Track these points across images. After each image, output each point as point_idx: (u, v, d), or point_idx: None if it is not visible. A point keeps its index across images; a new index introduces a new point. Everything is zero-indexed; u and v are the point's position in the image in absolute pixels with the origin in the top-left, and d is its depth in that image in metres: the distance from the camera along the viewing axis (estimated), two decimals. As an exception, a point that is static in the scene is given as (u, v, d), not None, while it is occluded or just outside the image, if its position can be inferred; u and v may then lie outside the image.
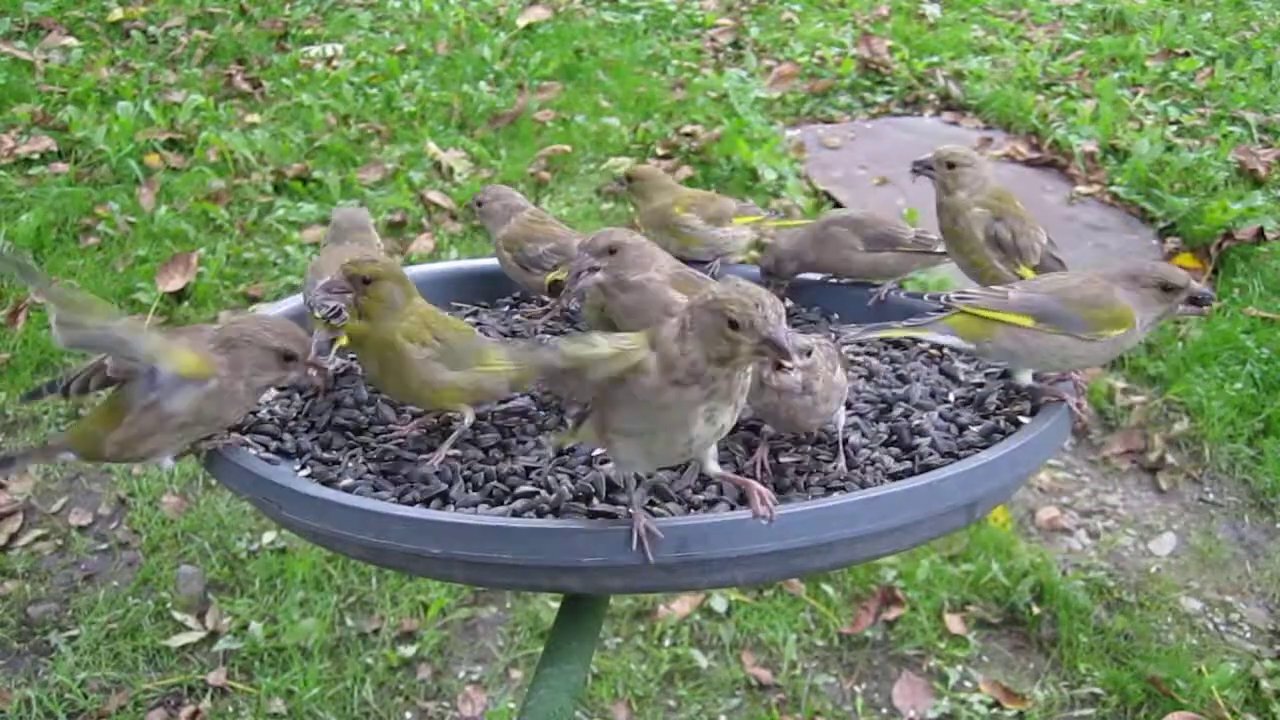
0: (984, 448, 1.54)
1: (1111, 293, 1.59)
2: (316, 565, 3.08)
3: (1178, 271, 1.61)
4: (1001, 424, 1.64)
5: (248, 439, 1.63)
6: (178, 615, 3.01)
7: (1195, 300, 1.59)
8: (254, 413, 1.73)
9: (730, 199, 2.21)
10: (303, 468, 1.60)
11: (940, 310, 1.65)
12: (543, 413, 1.69)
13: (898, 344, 1.90)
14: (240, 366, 1.53)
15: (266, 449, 1.64)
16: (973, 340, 1.64)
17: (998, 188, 1.87)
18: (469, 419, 1.61)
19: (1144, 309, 1.59)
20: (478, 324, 1.97)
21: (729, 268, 2.16)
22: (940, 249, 1.99)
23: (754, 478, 1.51)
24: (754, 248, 2.27)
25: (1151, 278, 1.59)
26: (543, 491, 1.48)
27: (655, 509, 1.46)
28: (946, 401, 1.73)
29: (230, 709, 2.80)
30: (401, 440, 1.64)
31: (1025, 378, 1.64)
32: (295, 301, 1.93)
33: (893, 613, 3.00)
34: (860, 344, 1.86)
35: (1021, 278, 1.80)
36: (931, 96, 5.63)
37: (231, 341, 1.54)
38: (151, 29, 5.90)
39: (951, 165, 1.85)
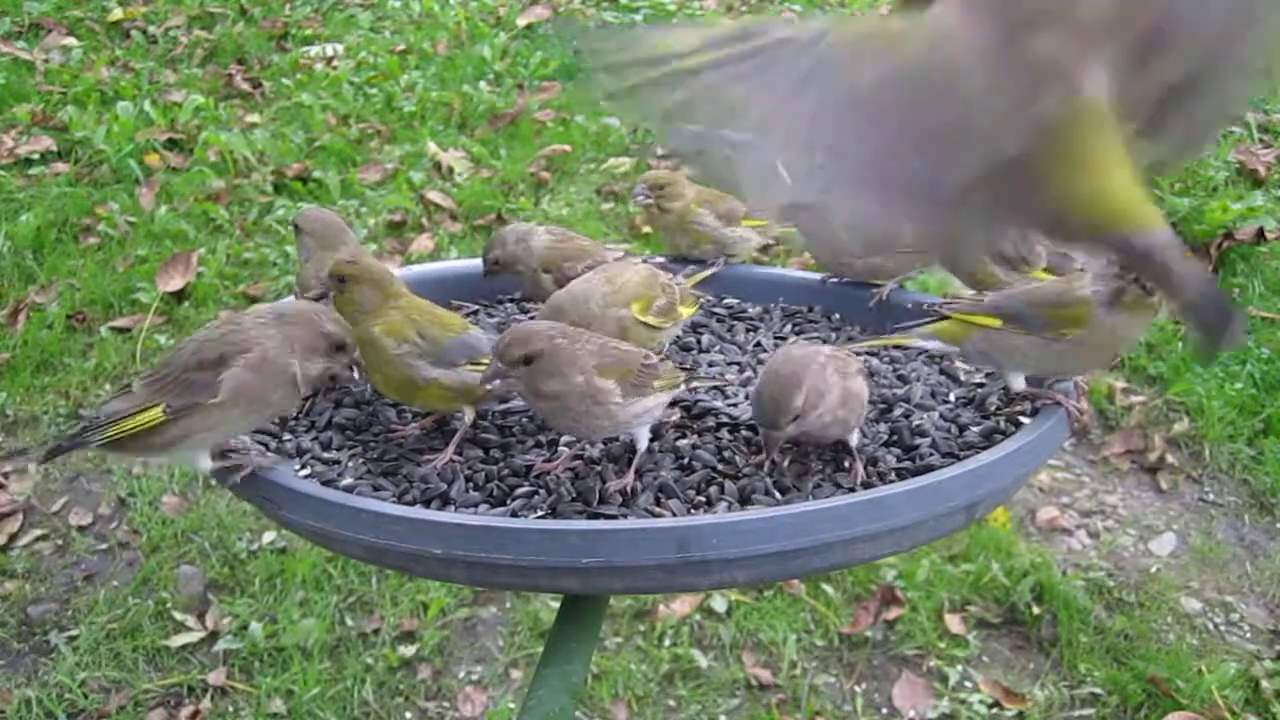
0: (984, 448, 1.54)
1: (1073, 292, 1.58)
2: (316, 565, 3.08)
3: None
4: (1002, 424, 1.64)
5: (279, 456, 1.60)
6: (178, 615, 3.01)
7: None
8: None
9: (739, 201, 2.22)
10: (303, 468, 1.60)
11: (925, 319, 1.68)
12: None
13: (897, 344, 1.90)
14: (292, 344, 1.43)
15: (267, 449, 1.64)
16: (952, 343, 1.66)
17: None
18: (469, 418, 1.61)
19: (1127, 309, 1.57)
20: (477, 325, 1.96)
21: (730, 268, 2.17)
22: None
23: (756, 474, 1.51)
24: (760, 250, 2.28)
25: None
26: (542, 492, 1.48)
27: (657, 508, 1.46)
28: (947, 402, 1.73)
29: (230, 709, 2.80)
30: (402, 440, 1.64)
31: (1018, 383, 1.64)
32: (292, 298, 1.93)
33: (893, 613, 3.00)
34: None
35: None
36: (931, 96, 5.63)
37: (286, 318, 1.45)
38: (151, 29, 5.89)
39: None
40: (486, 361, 1.59)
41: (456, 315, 1.73)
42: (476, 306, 2.09)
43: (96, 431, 1.42)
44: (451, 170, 4.77)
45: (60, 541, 3.23)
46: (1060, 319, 1.58)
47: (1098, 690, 2.84)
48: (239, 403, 1.40)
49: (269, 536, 3.19)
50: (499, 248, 1.98)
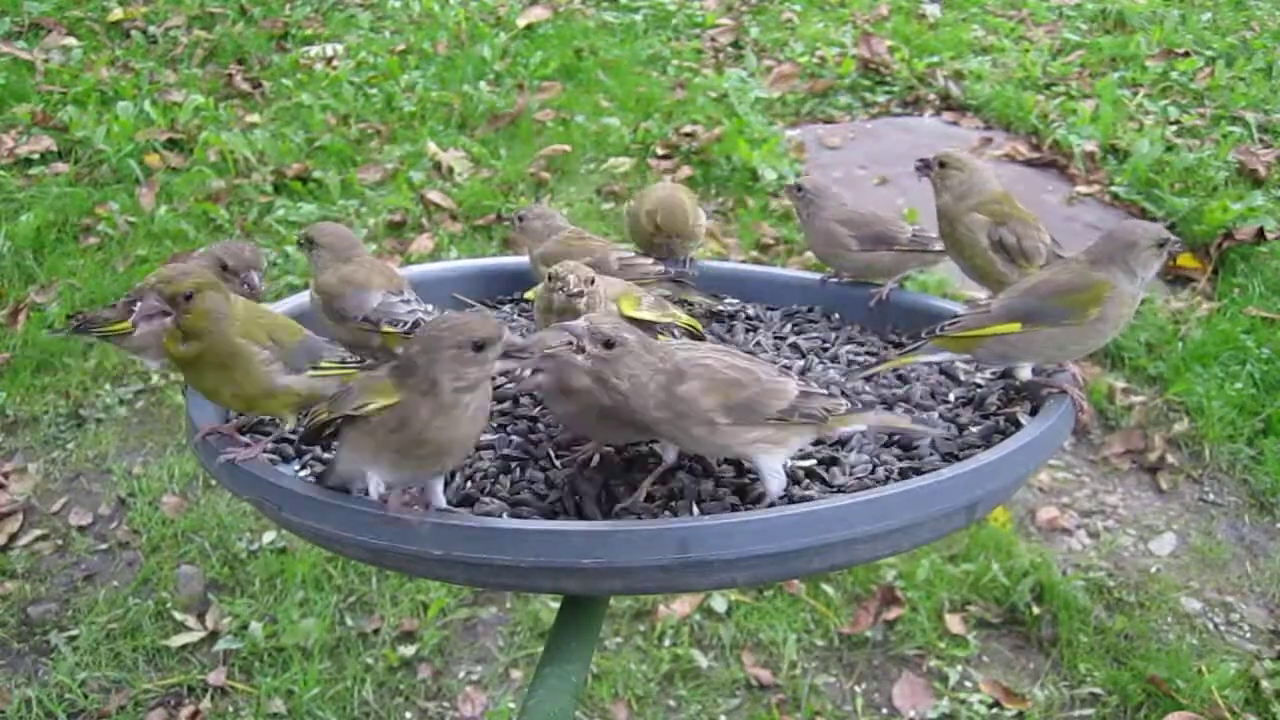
0: (984, 448, 1.54)
1: (1085, 275, 1.61)
2: (316, 565, 3.09)
3: (1157, 225, 1.66)
4: (1001, 424, 1.64)
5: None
6: (178, 615, 3.01)
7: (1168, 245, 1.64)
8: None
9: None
10: (303, 468, 1.59)
11: (925, 340, 1.68)
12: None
13: (897, 344, 1.90)
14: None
15: (267, 450, 1.64)
16: (964, 352, 1.67)
17: (997, 192, 1.88)
18: (289, 424, 1.55)
19: (1145, 269, 1.62)
20: None
21: (732, 268, 2.17)
22: (938, 247, 1.99)
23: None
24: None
25: (1150, 238, 1.61)
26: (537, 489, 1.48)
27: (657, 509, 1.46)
28: (946, 401, 1.73)
29: (230, 709, 2.80)
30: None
31: (1025, 372, 1.65)
32: (295, 301, 1.93)
33: (893, 613, 3.00)
34: (866, 377, 1.82)
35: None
36: (931, 96, 5.63)
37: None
38: (151, 29, 5.90)
39: (943, 165, 1.87)
40: (327, 365, 1.53)
41: (285, 317, 1.60)
42: (479, 306, 2.09)
43: (98, 327, 1.81)
44: (451, 170, 4.77)
45: (60, 541, 3.23)
46: (1079, 303, 1.60)
47: (1098, 690, 2.84)
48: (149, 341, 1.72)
49: (269, 536, 3.19)
50: (534, 218, 2.03)
